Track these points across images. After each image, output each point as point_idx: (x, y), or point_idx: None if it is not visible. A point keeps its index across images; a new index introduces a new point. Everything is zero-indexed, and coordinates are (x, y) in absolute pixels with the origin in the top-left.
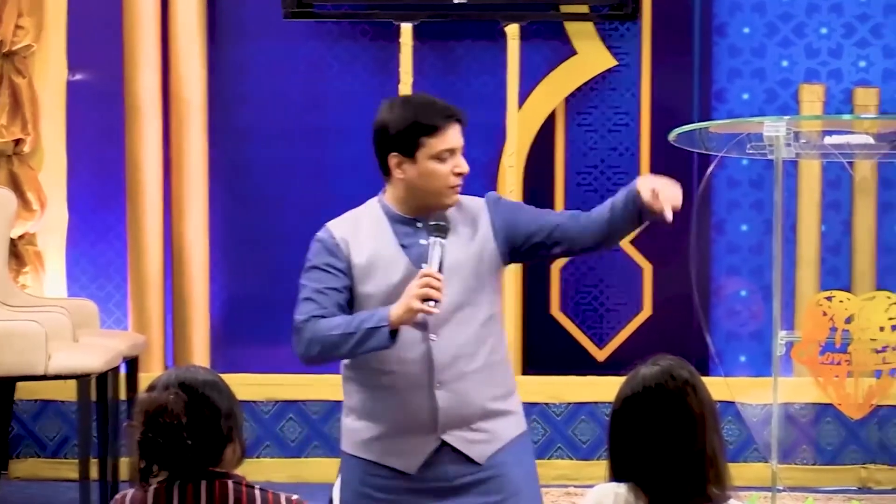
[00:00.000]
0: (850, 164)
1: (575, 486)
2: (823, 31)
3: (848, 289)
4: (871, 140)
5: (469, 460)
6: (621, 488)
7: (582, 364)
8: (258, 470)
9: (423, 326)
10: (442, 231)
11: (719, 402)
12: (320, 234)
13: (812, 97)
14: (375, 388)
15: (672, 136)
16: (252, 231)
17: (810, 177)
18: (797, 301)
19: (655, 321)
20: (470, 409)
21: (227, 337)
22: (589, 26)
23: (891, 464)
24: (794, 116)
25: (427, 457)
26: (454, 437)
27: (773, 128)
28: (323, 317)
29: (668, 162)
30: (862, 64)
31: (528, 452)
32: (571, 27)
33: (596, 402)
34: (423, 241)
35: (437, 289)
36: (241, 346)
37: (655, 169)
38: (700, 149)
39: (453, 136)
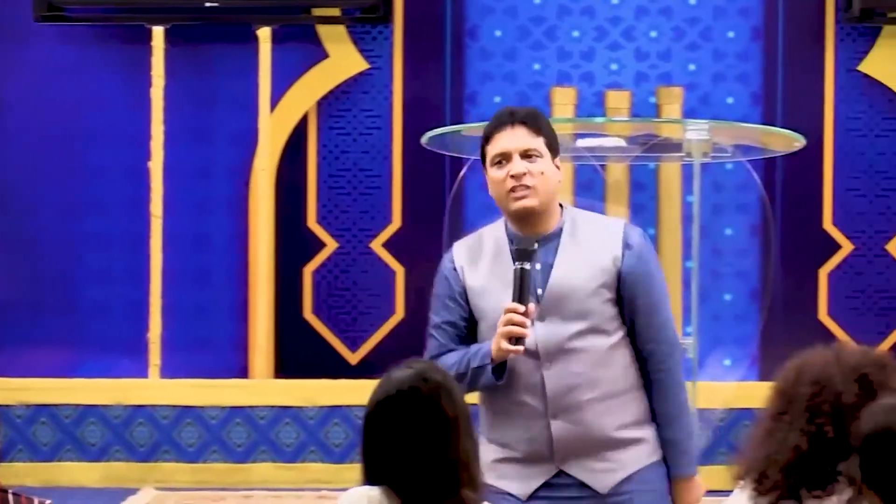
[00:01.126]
0: (603, 166)
1: (328, 490)
2: (575, 34)
3: None
4: (622, 143)
5: (590, 488)
6: (374, 491)
7: (335, 367)
8: (11, 474)
9: (535, 356)
10: (524, 256)
11: (472, 405)
12: (445, 258)
13: (564, 100)
14: (498, 413)
15: (425, 139)
16: (7, 235)
17: (563, 179)
18: None
19: (408, 324)
20: (591, 439)
21: None
22: (341, 29)
23: None
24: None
25: (542, 484)
26: (574, 467)
27: None
28: (443, 353)
29: (420, 165)
30: (614, 67)
31: (659, 480)
32: (323, 30)
33: (349, 406)
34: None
35: (521, 324)
36: None
37: (408, 171)
38: (452, 152)
39: (504, 140)
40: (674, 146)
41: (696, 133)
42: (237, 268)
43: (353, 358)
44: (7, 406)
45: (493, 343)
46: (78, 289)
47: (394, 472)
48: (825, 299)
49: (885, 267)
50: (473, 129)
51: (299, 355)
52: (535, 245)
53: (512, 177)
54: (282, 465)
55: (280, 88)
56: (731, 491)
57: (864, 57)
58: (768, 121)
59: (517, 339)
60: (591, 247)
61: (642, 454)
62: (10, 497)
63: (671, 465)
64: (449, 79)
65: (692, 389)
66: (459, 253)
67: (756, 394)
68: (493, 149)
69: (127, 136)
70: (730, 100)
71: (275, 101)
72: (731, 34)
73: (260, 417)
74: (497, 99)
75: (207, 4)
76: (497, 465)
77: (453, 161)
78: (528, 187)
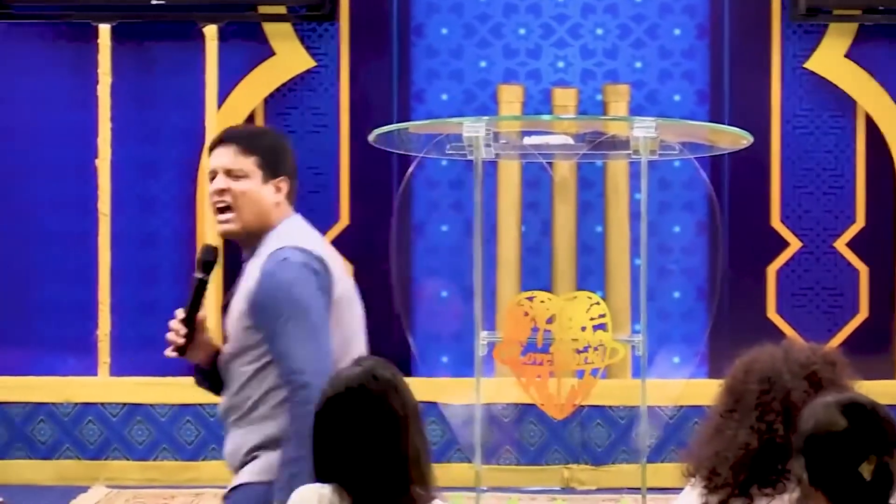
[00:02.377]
0: (550, 164)
1: None
2: (522, 31)
3: (549, 289)
4: (570, 140)
5: None
6: (325, 489)
7: None
8: None
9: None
10: (203, 268)
11: (422, 402)
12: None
13: (511, 97)
14: None
15: (372, 137)
16: None
17: (510, 177)
18: (498, 301)
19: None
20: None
21: None
22: (287, 27)
23: (593, 464)
24: (494, 117)
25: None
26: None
27: (473, 128)
28: None
29: (368, 163)
30: (560, 64)
31: None
32: (270, 28)
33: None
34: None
35: (177, 332)
36: None
37: (356, 169)
38: (400, 150)
39: (214, 158)
40: (621, 144)
41: (643, 130)
42: (185, 265)
43: None
44: None
45: None
46: (27, 287)
47: (344, 469)
48: (773, 297)
49: (833, 264)
50: (421, 126)
51: None
52: (215, 256)
53: (212, 193)
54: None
55: (227, 86)
56: (682, 489)
57: (811, 54)
58: (715, 118)
59: (179, 347)
60: (249, 272)
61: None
62: None
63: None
64: (395, 76)
65: (641, 387)
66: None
67: (705, 391)
68: (207, 164)
69: (74, 133)
70: (676, 97)
71: (221, 99)
72: (677, 32)
73: (209, 415)
74: (444, 97)
75: (154, 2)
76: None
77: (401, 159)
78: (229, 206)
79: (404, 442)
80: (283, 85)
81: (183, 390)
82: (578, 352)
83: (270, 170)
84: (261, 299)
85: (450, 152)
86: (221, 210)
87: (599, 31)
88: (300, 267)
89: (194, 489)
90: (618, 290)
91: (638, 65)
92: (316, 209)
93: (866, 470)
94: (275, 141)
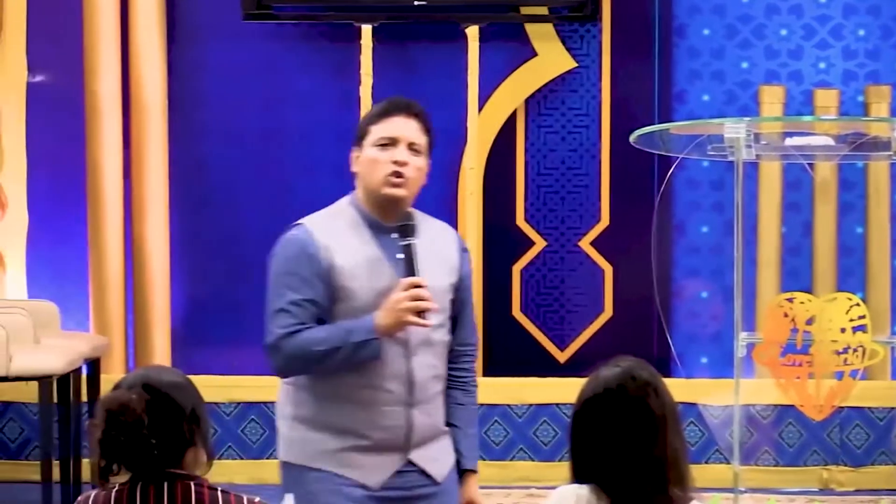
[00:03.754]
0: (811, 165)
1: (537, 488)
2: (783, 32)
3: (808, 290)
4: (831, 142)
5: (430, 477)
6: (583, 490)
7: (543, 365)
8: (219, 471)
9: (404, 344)
10: (409, 232)
11: (680, 403)
12: (299, 234)
13: (772, 99)
14: (347, 401)
15: (633, 137)
16: (212, 232)
17: (770, 178)
18: (758, 302)
19: (616, 322)
20: (435, 430)
21: (188, 338)
22: (549, 28)
23: (852, 465)
24: (755, 118)
25: (392, 474)
26: (419, 456)
27: (734, 129)
28: (300, 331)
29: (628, 163)
30: (822, 65)
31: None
32: (531, 29)
33: (557, 404)
34: (398, 244)
35: (428, 298)
36: (202, 348)
37: (616, 170)
38: (660, 150)
39: (397, 126)
40: (882, 145)
41: None
42: None
43: (562, 356)
44: (216, 403)
45: (387, 317)
46: None
47: (602, 470)
48: None
49: None
50: (682, 127)
51: (508, 353)
52: (410, 218)
53: (395, 162)
54: (491, 463)
55: (488, 87)
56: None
57: None
58: None
59: (423, 314)
60: (439, 246)
61: (450, 446)
62: (220, 495)
63: (468, 459)
64: (657, 77)
65: None
66: (318, 231)
67: None
68: (381, 130)
69: (337, 134)
70: None
71: (483, 100)
72: None
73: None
74: (705, 97)
75: (416, 3)
76: (337, 454)
77: (661, 159)
78: (405, 178)
79: (662, 443)
80: (545, 86)
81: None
82: (838, 353)
83: (430, 153)
84: (470, 273)
85: (711, 153)
86: (397, 176)
87: (861, 32)
88: None
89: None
90: (878, 291)
91: None
92: (577, 209)
93: None
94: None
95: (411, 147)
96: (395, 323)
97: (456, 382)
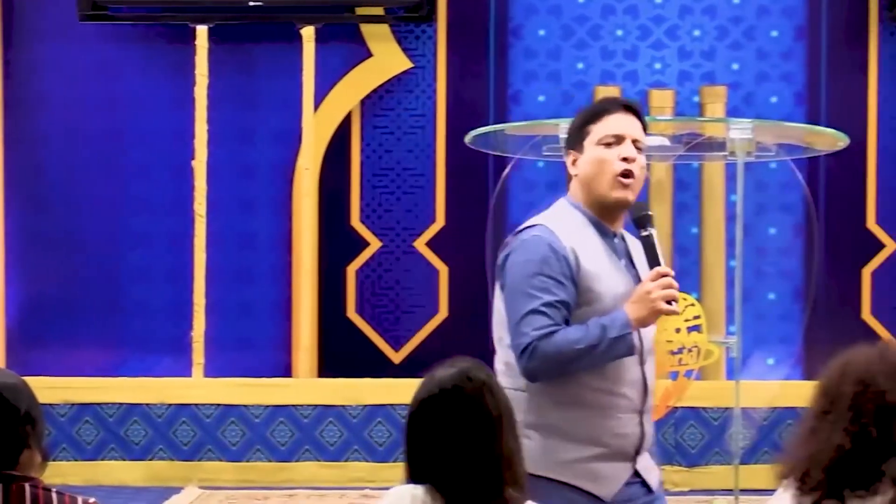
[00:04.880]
0: (647, 165)
1: (372, 489)
2: (619, 33)
3: None
4: (666, 142)
5: (647, 486)
6: (418, 490)
7: (378, 366)
8: (54, 473)
9: (637, 349)
10: (648, 221)
11: None
12: (544, 235)
13: None
14: (586, 407)
15: (468, 138)
16: (49, 233)
17: None
18: None
19: (451, 323)
20: (653, 439)
21: (22, 339)
22: (385, 28)
23: (687, 465)
24: None
25: (623, 483)
26: (640, 466)
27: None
28: (556, 332)
29: (464, 164)
30: (657, 66)
31: None
32: (367, 29)
33: (392, 405)
34: (624, 246)
35: (676, 287)
36: (36, 349)
37: (451, 170)
38: (496, 151)
39: (621, 123)
40: (717, 145)
41: (740, 132)
42: (281, 267)
43: (397, 357)
44: (51, 405)
45: (639, 308)
46: (121, 288)
47: (437, 470)
48: (868, 298)
49: None
50: (517, 128)
51: (343, 354)
52: (647, 208)
53: (624, 158)
54: (325, 464)
55: (324, 87)
56: (775, 490)
57: None
58: (812, 120)
59: (671, 302)
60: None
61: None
62: (55, 496)
63: None
64: (492, 78)
65: (735, 388)
66: (561, 233)
67: (799, 393)
68: (604, 128)
69: (171, 134)
70: (773, 99)
71: (318, 100)
72: (774, 33)
73: (303, 416)
74: (541, 98)
75: (251, 3)
76: (576, 464)
77: (497, 160)
78: (633, 177)
79: (498, 443)
80: (381, 86)
81: (277, 391)
82: (673, 353)
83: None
84: None
85: (546, 154)
86: (627, 175)
87: (697, 33)
88: None
89: (288, 490)
90: (713, 291)
91: (735, 66)
92: (412, 210)
93: None
94: None
95: (635, 144)
96: (649, 313)
97: None
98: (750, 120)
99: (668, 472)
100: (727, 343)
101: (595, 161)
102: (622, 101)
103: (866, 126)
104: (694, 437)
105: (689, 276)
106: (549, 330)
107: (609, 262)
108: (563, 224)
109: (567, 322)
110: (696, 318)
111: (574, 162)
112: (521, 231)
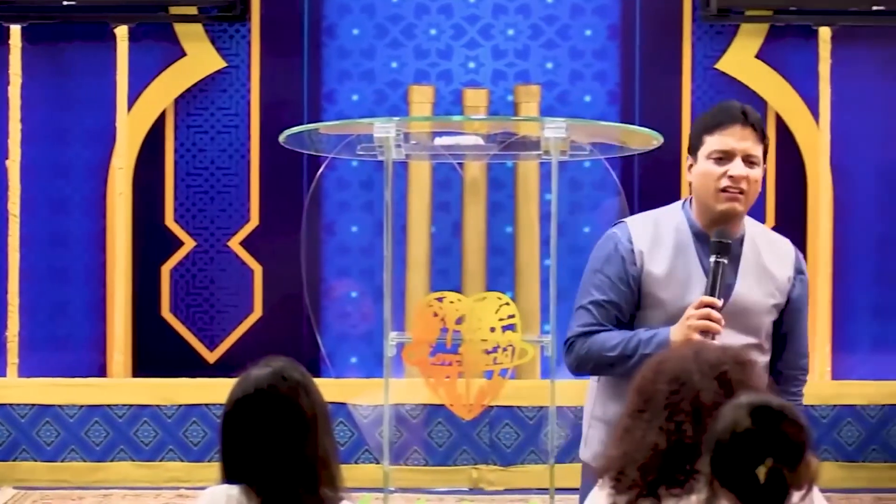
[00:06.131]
0: (460, 165)
1: (187, 489)
2: (433, 32)
3: (458, 290)
4: (480, 141)
5: None
6: (234, 490)
7: (193, 366)
8: None
9: None
10: (724, 250)
11: (331, 403)
12: (618, 234)
13: (422, 98)
14: None
15: (282, 137)
16: None
17: (420, 178)
18: (408, 302)
19: (266, 322)
20: None
21: None
22: (198, 28)
23: (502, 464)
24: (404, 118)
25: None
26: None
27: (383, 129)
28: (596, 332)
29: (278, 163)
30: (471, 65)
31: None
32: (181, 29)
33: (207, 404)
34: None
35: (718, 320)
36: None
37: (265, 170)
38: (310, 150)
39: (733, 138)
40: (532, 144)
41: (554, 131)
42: (95, 266)
43: (211, 356)
44: None
45: (677, 333)
46: None
47: (253, 470)
48: None
49: None
50: (331, 127)
51: (157, 353)
52: (730, 237)
53: (730, 177)
54: (140, 464)
55: (138, 87)
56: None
57: (722, 55)
58: (626, 119)
59: (709, 334)
60: (768, 263)
61: None
62: None
63: None
64: (306, 77)
65: (550, 387)
66: (639, 234)
67: None
68: (716, 142)
69: None
70: (587, 98)
71: (132, 100)
72: (588, 32)
73: (118, 416)
74: (355, 97)
75: (65, 3)
76: None
77: (311, 159)
78: (742, 192)
79: (313, 443)
80: (194, 86)
81: (91, 391)
82: (487, 352)
83: (765, 159)
84: (806, 299)
85: (360, 153)
86: (733, 192)
87: (511, 32)
88: None
89: (103, 490)
90: (527, 290)
91: (549, 65)
92: (226, 209)
93: (761, 473)
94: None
95: (747, 160)
96: (683, 339)
97: None
98: (564, 119)
99: (483, 472)
100: (542, 342)
101: (703, 174)
102: (739, 112)
103: (680, 125)
104: (509, 436)
105: (503, 275)
106: (591, 329)
107: (689, 271)
108: (651, 224)
109: (619, 322)
110: (511, 317)
111: (690, 168)
112: (612, 225)
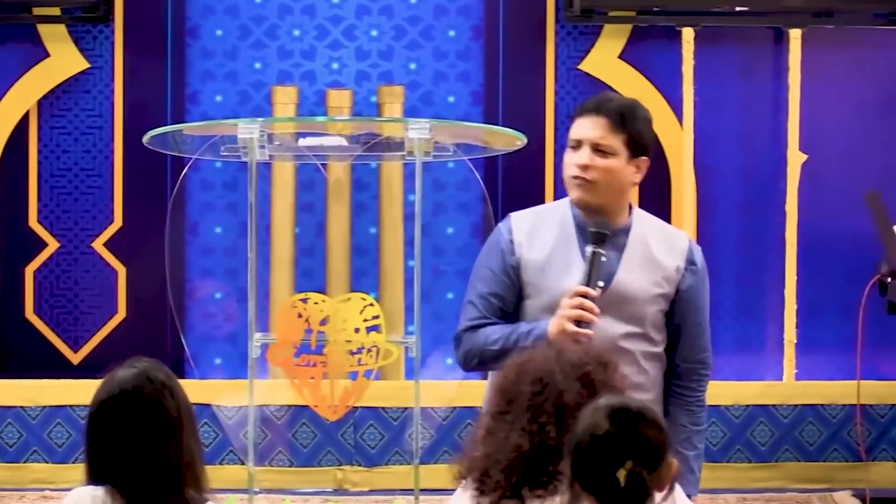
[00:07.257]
0: (324, 165)
1: (52, 490)
2: (296, 33)
3: (323, 290)
4: (344, 142)
5: None
6: (98, 491)
7: (57, 367)
8: None
9: None
10: (600, 239)
11: (196, 404)
12: (501, 228)
13: (285, 99)
14: None
15: (146, 138)
16: None
17: (284, 179)
18: (272, 303)
19: (130, 323)
20: None
21: None
22: (61, 28)
23: (366, 465)
24: (267, 119)
25: None
26: None
27: (247, 130)
28: (482, 326)
29: (142, 165)
30: (335, 66)
31: None
32: (44, 29)
33: (72, 406)
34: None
35: (591, 309)
36: None
37: (129, 171)
38: (174, 151)
39: (582, 127)
40: (395, 145)
41: (418, 132)
42: None
43: (76, 357)
44: None
45: (554, 324)
46: None
47: (118, 471)
48: None
49: None
50: (195, 128)
51: (21, 354)
52: (609, 229)
53: (576, 165)
54: (4, 465)
55: (0, 88)
56: (455, 490)
57: (585, 56)
58: (490, 119)
59: (584, 324)
60: (657, 253)
61: None
62: None
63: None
64: (170, 78)
65: (415, 388)
66: (519, 226)
67: (479, 392)
68: (571, 132)
69: None
70: (451, 98)
71: None
72: (451, 33)
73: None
74: (218, 98)
75: None
76: None
77: (175, 160)
78: (590, 181)
79: (178, 444)
80: (58, 87)
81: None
82: (352, 353)
83: (639, 149)
84: (700, 290)
85: (224, 154)
86: (580, 180)
87: (374, 33)
88: None
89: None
90: (392, 291)
91: (413, 66)
92: (90, 210)
93: (621, 475)
94: (645, 118)
95: (597, 149)
96: (558, 331)
97: (678, 400)
98: (427, 120)
99: (347, 473)
100: (406, 343)
101: (564, 162)
102: (593, 103)
103: (544, 125)
104: (374, 436)
105: (367, 276)
106: (476, 323)
107: (568, 260)
108: (533, 215)
109: (503, 314)
110: (375, 318)
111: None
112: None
